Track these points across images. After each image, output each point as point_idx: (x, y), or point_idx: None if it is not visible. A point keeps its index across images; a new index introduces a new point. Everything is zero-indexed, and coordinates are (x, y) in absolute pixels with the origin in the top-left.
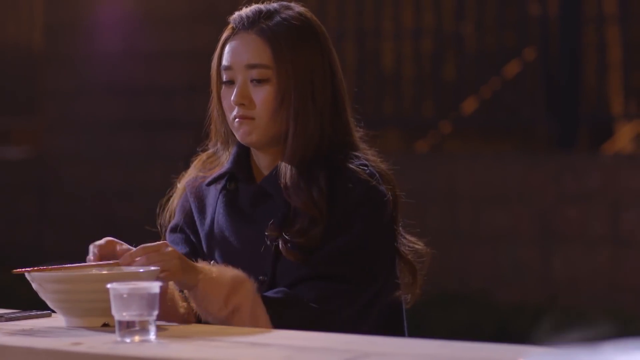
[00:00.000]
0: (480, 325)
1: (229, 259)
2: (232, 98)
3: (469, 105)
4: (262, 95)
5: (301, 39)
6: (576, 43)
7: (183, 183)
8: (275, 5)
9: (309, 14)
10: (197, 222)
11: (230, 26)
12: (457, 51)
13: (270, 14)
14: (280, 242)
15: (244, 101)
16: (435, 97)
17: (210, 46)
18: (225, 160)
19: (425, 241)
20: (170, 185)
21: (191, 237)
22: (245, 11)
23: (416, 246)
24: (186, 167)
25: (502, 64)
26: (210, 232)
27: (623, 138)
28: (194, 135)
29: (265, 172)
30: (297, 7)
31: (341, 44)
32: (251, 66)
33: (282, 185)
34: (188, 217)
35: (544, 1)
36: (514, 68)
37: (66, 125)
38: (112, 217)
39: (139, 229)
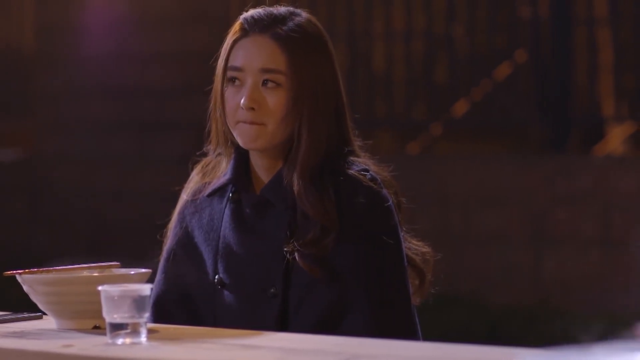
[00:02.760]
0: (471, 327)
1: (236, 272)
2: (242, 101)
3: (461, 107)
4: (274, 100)
5: (313, 46)
6: (567, 45)
7: (186, 194)
8: (283, 9)
9: (317, 21)
10: (201, 238)
11: (240, 26)
12: (448, 53)
13: (284, 19)
14: (297, 255)
15: (254, 105)
16: (427, 99)
17: (202, 48)
18: (225, 166)
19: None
20: (162, 188)
21: (189, 260)
22: (258, 13)
23: (422, 249)
24: (185, 169)
25: (494, 66)
26: (217, 246)
27: (614, 140)
28: (187, 137)
29: (265, 177)
30: (304, 13)
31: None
32: (265, 70)
33: (295, 193)
34: (181, 242)
35: (535, 3)
36: (505, 70)
37: (58, 127)
38: (105, 219)
39: (131, 230)
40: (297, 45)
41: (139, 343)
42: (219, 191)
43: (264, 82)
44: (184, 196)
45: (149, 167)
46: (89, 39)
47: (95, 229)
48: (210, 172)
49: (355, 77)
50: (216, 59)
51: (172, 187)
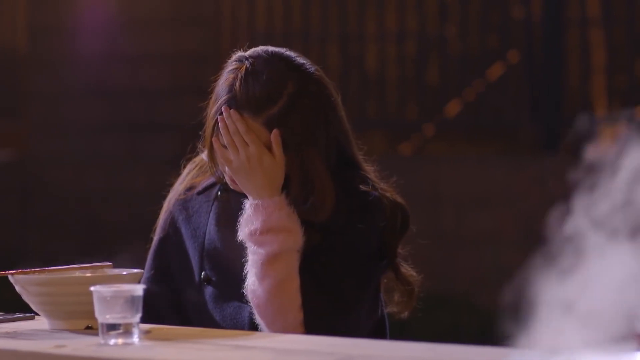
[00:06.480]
0: (463, 328)
1: (222, 269)
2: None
3: (453, 108)
4: None
5: (307, 118)
6: (560, 46)
7: (181, 186)
8: (282, 66)
9: (321, 76)
10: (187, 235)
11: (239, 86)
12: (441, 54)
13: (277, 94)
14: None
15: None
16: (419, 99)
17: (193, 49)
18: None
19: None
20: (153, 188)
21: (175, 257)
22: (252, 89)
23: (410, 273)
24: (176, 170)
25: (486, 67)
26: (203, 243)
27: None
28: (178, 138)
29: None
30: (308, 65)
31: (325, 47)
32: None
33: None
34: (168, 238)
35: (527, 4)
36: (498, 71)
37: (50, 128)
38: (96, 220)
39: (122, 231)
40: (289, 127)
41: (132, 343)
42: (208, 189)
43: None
44: (179, 188)
45: (141, 168)
46: (81, 40)
47: (87, 230)
48: (204, 170)
49: (347, 78)
50: (212, 61)
51: (164, 188)
